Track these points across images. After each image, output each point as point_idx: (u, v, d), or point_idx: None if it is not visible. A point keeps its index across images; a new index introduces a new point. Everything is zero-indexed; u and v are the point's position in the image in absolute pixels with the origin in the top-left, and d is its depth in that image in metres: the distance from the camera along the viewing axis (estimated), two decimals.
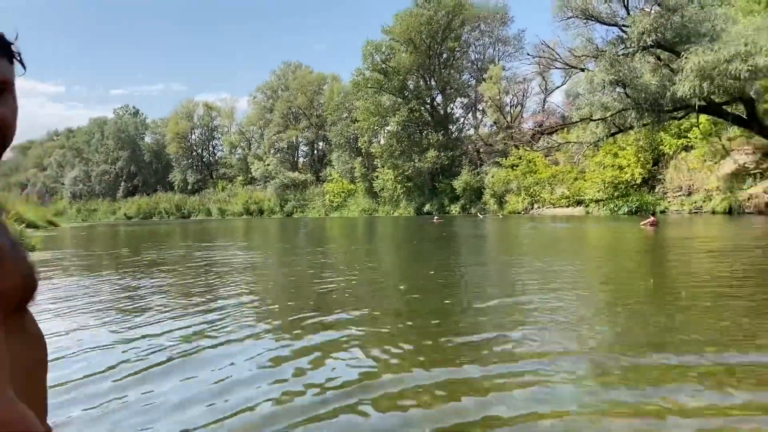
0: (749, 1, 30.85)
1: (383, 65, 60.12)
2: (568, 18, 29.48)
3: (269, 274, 11.53)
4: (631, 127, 29.97)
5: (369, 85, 60.83)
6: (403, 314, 6.70)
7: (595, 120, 30.24)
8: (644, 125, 29.53)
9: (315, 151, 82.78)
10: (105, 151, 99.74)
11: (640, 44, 26.90)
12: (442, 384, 4.11)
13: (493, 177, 50.62)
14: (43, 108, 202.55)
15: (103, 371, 4.71)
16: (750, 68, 23.21)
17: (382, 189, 61.59)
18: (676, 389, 3.90)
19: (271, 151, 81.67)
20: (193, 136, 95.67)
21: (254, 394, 4.04)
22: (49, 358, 1.39)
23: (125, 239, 28.49)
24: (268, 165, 78.60)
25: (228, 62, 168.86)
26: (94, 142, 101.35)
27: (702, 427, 3.34)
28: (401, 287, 8.92)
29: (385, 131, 62.41)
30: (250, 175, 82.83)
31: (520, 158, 48.67)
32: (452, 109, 64.79)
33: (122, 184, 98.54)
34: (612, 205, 39.45)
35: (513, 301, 7.21)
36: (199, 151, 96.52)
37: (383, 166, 61.46)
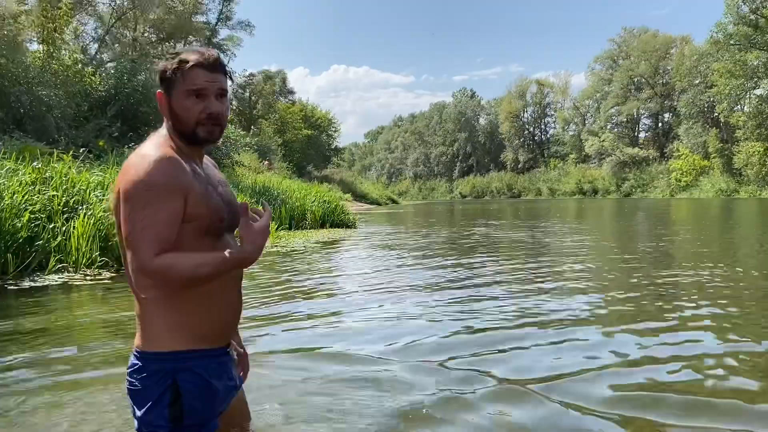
0: None
1: (754, 15, 49.65)
2: None
3: (607, 263, 8.75)
4: None
5: (732, 42, 51.07)
6: None
7: None
8: None
9: (659, 124, 74.36)
10: (443, 134, 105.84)
11: None
12: None
13: None
14: (396, 97, 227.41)
15: None
16: None
17: (746, 165, 51.51)
18: None
19: (608, 126, 75.97)
20: (525, 115, 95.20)
21: None
22: None
23: (458, 216, 28.30)
24: (603, 141, 73.19)
25: (564, 39, 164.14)
26: (432, 125, 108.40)
27: None
28: None
29: (752, 96, 51.91)
30: (583, 153, 78.50)
31: None
32: None
33: (458, 164, 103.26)
34: None
35: None
36: (531, 129, 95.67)
37: (748, 138, 51.34)
